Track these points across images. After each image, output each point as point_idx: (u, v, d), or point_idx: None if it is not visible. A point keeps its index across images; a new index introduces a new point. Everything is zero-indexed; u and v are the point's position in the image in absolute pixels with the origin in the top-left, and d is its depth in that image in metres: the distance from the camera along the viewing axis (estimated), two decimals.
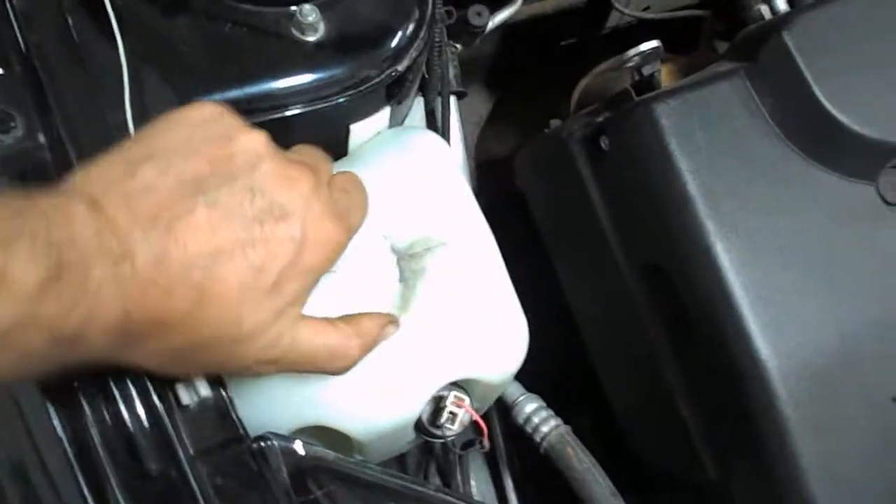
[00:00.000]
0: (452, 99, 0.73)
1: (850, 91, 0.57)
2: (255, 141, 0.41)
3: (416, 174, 0.56)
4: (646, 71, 0.62)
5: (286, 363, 0.43)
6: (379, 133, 0.60)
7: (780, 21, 0.60)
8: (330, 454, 0.46)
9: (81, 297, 0.34)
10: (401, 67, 0.55)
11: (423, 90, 0.68)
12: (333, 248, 0.42)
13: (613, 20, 0.90)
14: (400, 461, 0.72)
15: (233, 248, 0.38)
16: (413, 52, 0.56)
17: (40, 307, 0.33)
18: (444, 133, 0.69)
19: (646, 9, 0.86)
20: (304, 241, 0.40)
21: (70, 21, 0.50)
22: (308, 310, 0.48)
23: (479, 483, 0.71)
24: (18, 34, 0.48)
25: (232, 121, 0.42)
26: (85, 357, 0.37)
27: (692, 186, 0.56)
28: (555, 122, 0.78)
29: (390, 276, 0.51)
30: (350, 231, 0.44)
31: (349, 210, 0.45)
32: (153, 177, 0.38)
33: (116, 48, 0.48)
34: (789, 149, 0.58)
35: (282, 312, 0.41)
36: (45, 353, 0.35)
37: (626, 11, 0.84)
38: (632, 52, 0.63)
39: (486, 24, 0.72)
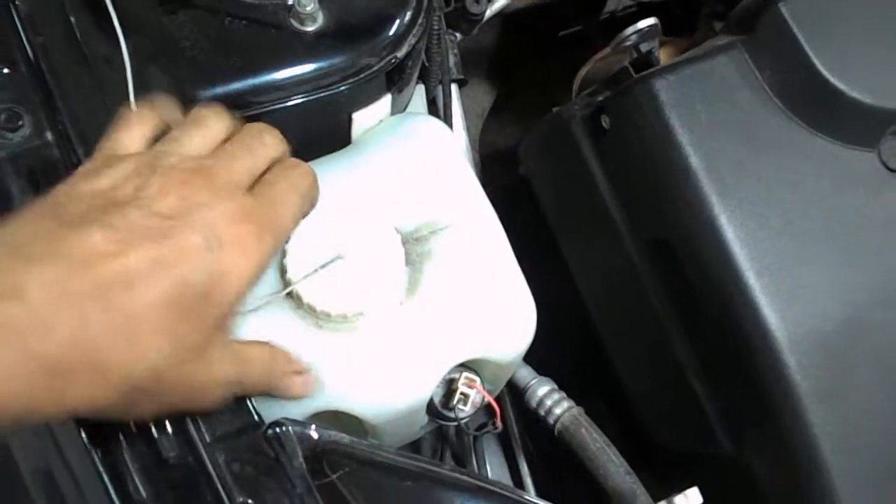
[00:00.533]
0: (454, 87, 0.73)
1: (849, 59, 0.57)
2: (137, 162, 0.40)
3: (420, 159, 0.56)
4: (644, 48, 0.62)
5: (247, 374, 0.44)
6: (381, 121, 0.60)
7: None
8: (345, 437, 0.46)
9: None
10: (400, 54, 0.56)
11: (424, 79, 0.69)
12: (252, 249, 0.40)
13: (612, 5, 0.90)
14: (414, 447, 0.72)
15: (138, 264, 0.36)
16: (412, 39, 0.56)
17: None
18: (447, 120, 0.69)
19: None
20: (217, 246, 0.38)
21: (73, 21, 0.51)
22: (320, 294, 0.49)
23: (493, 466, 0.71)
24: (23, 35, 0.49)
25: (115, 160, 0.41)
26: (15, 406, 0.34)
27: (694, 160, 0.56)
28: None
29: (397, 259, 0.52)
30: (273, 229, 0.41)
31: (274, 203, 0.42)
32: (37, 220, 0.37)
33: (119, 46, 0.49)
34: (790, 119, 0.58)
35: (214, 324, 0.39)
36: None
37: None
38: (629, 30, 0.63)
39: (484, 11, 0.73)
